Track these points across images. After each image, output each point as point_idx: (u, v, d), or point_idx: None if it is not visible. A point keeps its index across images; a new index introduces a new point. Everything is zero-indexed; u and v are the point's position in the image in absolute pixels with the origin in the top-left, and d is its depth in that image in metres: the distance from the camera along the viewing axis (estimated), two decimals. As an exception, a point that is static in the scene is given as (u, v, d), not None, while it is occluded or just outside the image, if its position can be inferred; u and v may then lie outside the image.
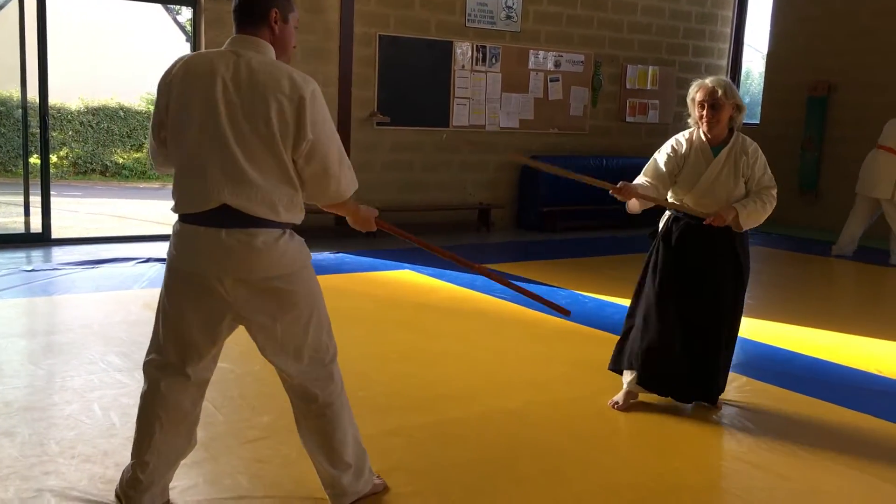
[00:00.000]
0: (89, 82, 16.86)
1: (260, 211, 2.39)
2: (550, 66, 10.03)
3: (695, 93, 3.64)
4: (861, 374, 4.49)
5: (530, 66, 9.87)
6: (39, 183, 7.62)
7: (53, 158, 14.95)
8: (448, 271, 6.85)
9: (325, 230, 8.79)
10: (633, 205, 3.75)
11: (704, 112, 3.60)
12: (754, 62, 20.14)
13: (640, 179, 3.74)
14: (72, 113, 15.48)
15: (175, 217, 2.50)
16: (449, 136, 9.43)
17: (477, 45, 9.44)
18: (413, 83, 9.11)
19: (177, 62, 2.47)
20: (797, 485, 3.06)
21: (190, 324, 2.51)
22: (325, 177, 2.48)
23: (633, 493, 2.95)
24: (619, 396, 3.82)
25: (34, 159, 8.98)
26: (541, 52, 9.93)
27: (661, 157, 3.73)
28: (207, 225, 2.41)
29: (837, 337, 5.25)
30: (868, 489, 3.05)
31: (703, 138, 3.67)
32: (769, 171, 3.71)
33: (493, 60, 9.58)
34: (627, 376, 3.81)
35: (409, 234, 2.91)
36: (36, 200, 7.64)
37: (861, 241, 8.52)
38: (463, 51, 9.35)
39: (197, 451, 3.11)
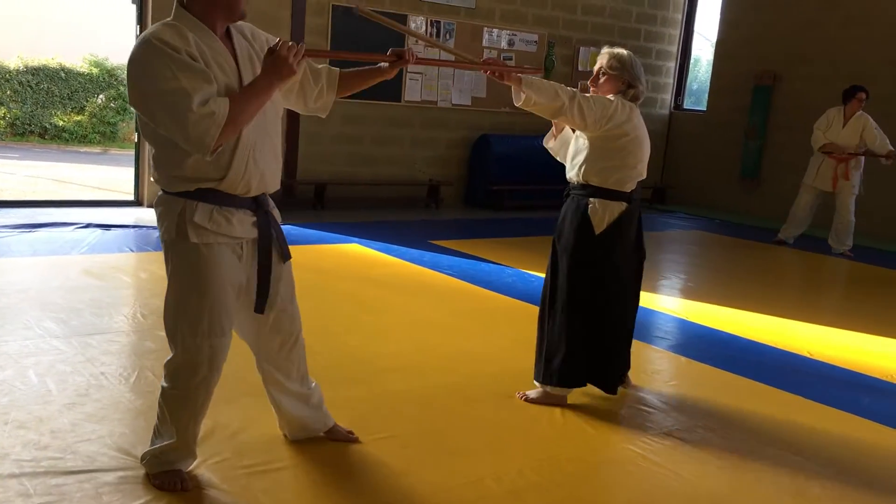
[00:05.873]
0: (30, 41, 16.27)
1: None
2: (504, 44, 10.03)
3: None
4: (793, 356, 4.65)
5: (484, 43, 9.86)
6: (-25, 143, 7.38)
7: (-10, 118, 14.46)
8: (395, 246, 6.85)
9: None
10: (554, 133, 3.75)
11: (590, 81, 3.63)
12: (703, 50, 20.43)
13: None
14: (10, 72, 14.92)
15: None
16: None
17: (431, 20, 9.39)
18: (365, 55, 8.99)
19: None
20: (726, 461, 3.16)
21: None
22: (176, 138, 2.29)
23: (572, 465, 3.02)
24: (534, 393, 3.60)
25: (-31, 118, 8.67)
26: (495, 30, 9.92)
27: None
28: None
29: (772, 320, 5.41)
30: (792, 467, 3.16)
31: None
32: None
33: (448, 36, 9.54)
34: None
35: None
36: (-29, 161, 7.40)
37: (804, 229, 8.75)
38: (417, 25, 9.29)
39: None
